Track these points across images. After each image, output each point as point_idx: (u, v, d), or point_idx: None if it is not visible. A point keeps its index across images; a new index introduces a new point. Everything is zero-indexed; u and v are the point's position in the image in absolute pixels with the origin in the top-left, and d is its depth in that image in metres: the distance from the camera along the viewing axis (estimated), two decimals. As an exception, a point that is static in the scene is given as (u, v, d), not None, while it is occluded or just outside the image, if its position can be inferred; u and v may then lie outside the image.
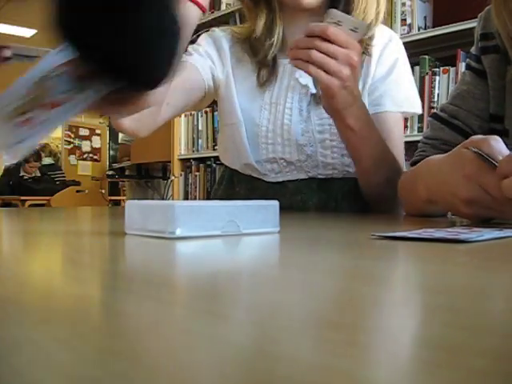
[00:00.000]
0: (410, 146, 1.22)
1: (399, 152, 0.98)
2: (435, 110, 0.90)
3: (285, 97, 0.98)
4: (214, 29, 1.07)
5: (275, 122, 0.97)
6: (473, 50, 0.85)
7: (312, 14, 0.94)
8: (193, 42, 1.06)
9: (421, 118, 2.07)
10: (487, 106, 0.80)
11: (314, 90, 0.96)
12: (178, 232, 0.41)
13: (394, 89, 0.97)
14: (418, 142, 0.92)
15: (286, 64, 0.99)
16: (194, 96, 0.99)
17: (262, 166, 0.99)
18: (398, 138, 0.99)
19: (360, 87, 0.96)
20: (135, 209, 0.45)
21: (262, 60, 0.99)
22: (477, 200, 0.53)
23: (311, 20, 0.92)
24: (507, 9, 0.72)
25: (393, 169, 0.92)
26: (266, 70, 0.99)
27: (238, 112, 1.00)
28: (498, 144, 0.53)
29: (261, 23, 0.97)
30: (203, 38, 1.05)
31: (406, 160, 1.04)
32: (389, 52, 0.98)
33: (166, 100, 0.85)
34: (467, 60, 0.85)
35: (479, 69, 0.82)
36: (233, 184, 1.06)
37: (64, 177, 5.50)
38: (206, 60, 1.01)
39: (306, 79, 0.96)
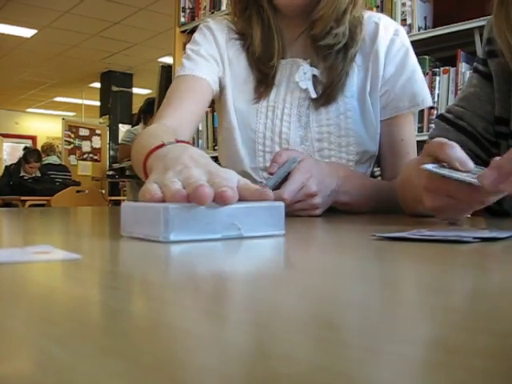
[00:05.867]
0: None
1: (413, 153, 0.96)
2: (442, 112, 0.90)
3: (283, 101, 0.95)
4: (208, 20, 1.04)
5: (273, 128, 0.94)
6: (480, 53, 0.86)
7: (304, 12, 0.92)
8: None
9: (421, 118, 2.07)
10: (493, 109, 0.81)
11: (314, 95, 0.93)
12: (172, 236, 0.38)
13: (409, 87, 0.94)
14: (418, 142, 0.92)
15: (284, 65, 0.96)
16: (205, 107, 0.97)
17: (257, 174, 0.95)
18: (412, 139, 0.98)
19: (367, 90, 0.94)
20: (130, 210, 0.43)
21: (263, 77, 0.96)
22: (442, 207, 0.57)
23: (304, 17, 0.91)
24: (509, 27, 0.71)
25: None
26: (264, 85, 0.96)
27: (233, 116, 0.97)
28: (453, 150, 0.55)
29: (257, 38, 0.95)
30: (202, 34, 1.01)
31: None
32: (396, 48, 0.94)
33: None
34: (474, 64, 0.86)
35: (486, 72, 0.83)
36: None
37: (70, 177, 5.48)
38: (212, 64, 0.97)
39: (306, 83, 0.94)
